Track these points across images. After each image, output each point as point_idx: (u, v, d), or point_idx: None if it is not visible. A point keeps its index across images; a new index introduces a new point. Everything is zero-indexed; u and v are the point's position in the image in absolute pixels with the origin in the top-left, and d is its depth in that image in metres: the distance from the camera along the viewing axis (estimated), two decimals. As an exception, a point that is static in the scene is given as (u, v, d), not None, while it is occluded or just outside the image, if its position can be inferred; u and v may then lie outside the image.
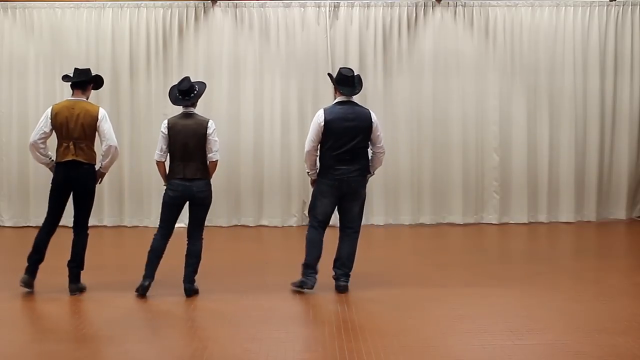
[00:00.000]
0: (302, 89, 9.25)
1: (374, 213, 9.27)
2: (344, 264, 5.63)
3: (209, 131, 5.51)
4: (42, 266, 6.85)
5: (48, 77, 9.19)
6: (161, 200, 9.49)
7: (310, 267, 5.55)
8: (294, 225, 9.25)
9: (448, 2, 9.28)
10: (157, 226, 5.67)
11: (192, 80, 5.70)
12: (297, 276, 6.06)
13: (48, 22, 9.19)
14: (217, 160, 5.59)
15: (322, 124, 5.48)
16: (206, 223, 9.38)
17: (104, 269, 6.56)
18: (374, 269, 6.58)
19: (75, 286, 5.59)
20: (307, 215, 9.19)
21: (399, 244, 8.43)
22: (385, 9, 9.25)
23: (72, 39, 9.17)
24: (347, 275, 5.64)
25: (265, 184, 9.19)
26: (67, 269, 5.60)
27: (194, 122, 5.54)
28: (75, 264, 5.62)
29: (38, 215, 9.16)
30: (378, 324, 4.81)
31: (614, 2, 9.36)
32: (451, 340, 4.46)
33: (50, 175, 9.34)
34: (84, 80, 5.65)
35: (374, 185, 9.04)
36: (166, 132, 5.51)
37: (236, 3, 9.24)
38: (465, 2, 9.29)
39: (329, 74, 5.97)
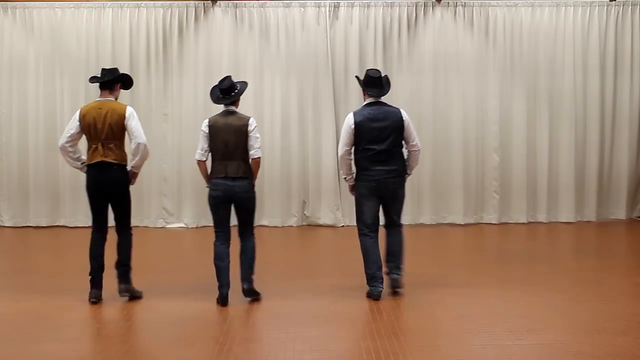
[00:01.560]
0: (302, 89, 9.26)
1: (374, 213, 9.27)
2: (394, 255, 5.54)
3: (250, 128, 5.38)
4: (44, 268, 6.88)
5: (48, 77, 9.20)
6: (160, 201, 9.55)
7: (373, 278, 5.42)
8: (294, 225, 9.25)
9: (448, 2, 9.28)
10: (215, 231, 5.57)
11: (233, 80, 5.58)
12: (297, 276, 6.13)
13: (48, 22, 9.19)
14: (259, 158, 5.45)
15: (353, 126, 5.44)
16: (206, 223, 9.47)
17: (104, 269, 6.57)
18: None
19: (125, 286, 5.48)
20: (306, 215, 9.24)
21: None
22: (385, 9, 9.26)
23: (72, 39, 9.17)
24: (399, 268, 5.53)
25: (265, 184, 9.19)
26: (115, 270, 5.49)
27: (234, 120, 5.42)
28: (123, 264, 5.51)
29: (38, 216, 9.22)
30: (378, 324, 4.82)
31: (614, 2, 9.36)
32: (451, 340, 4.46)
33: (48, 176, 9.41)
34: (111, 80, 5.53)
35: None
36: (207, 131, 5.40)
37: (236, 3, 9.24)
38: (465, 2, 9.29)
39: (356, 77, 5.94)
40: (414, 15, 9.28)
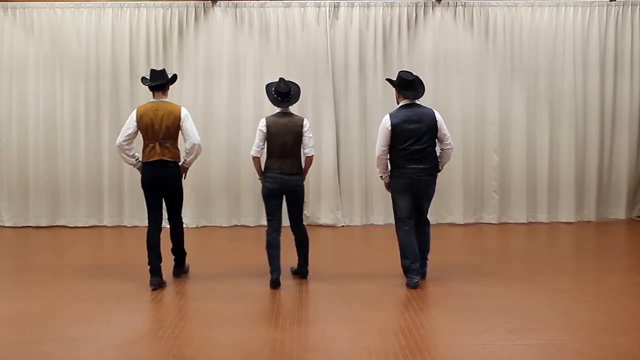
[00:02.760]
0: (302, 89, 9.15)
1: (374, 213, 9.28)
2: (422, 251, 5.99)
3: (305, 129, 5.87)
4: (44, 267, 6.88)
5: (48, 77, 9.20)
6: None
7: (409, 270, 5.80)
8: (294, 225, 9.24)
9: (448, 2, 9.28)
10: (267, 220, 6.01)
11: (287, 81, 6.08)
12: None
13: (48, 22, 9.19)
14: (313, 155, 5.95)
15: (390, 128, 5.72)
16: (206, 223, 9.47)
17: (103, 269, 6.57)
18: (373, 268, 6.58)
19: (179, 271, 6.20)
20: (305, 215, 9.24)
21: (399, 244, 8.42)
22: (385, 9, 9.25)
23: (72, 39, 9.17)
24: (426, 258, 6.04)
25: (265, 184, 9.18)
26: (172, 256, 6.18)
27: (291, 121, 5.87)
28: (178, 251, 6.16)
29: (38, 216, 9.22)
30: (378, 323, 4.82)
31: (614, 2, 9.36)
32: (451, 340, 4.47)
33: (48, 176, 9.40)
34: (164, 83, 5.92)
35: (374, 185, 9.05)
36: (265, 130, 5.82)
37: (236, 3, 9.24)
38: (465, 2, 9.29)
39: (388, 80, 6.08)
40: (414, 15, 9.28)
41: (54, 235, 8.77)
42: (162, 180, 5.86)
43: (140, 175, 5.95)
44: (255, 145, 5.85)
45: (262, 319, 4.99)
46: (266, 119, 5.91)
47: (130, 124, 5.80)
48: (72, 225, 9.17)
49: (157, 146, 5.77)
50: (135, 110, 5.88)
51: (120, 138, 5.81)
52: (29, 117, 9.21)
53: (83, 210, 9.22)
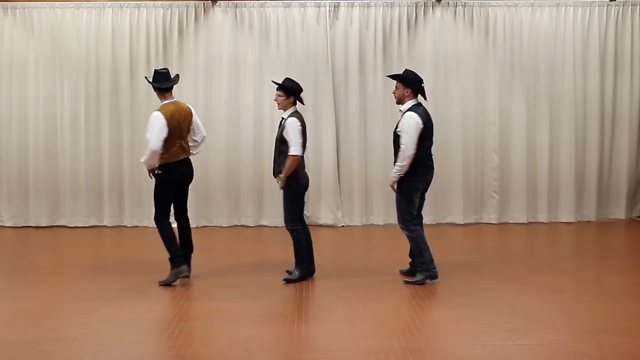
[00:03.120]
0: (302, 89, 9.22)
1: (374, 213, 9.27)
2: None
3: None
4: (44, 267, 6.89)
5: (48, 78, 9.19)
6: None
7: (432, 261, 5.96)
8: (294, 225, 9.23)
9: (448, 2, 9.28)
10: (294, 219, 6.13)
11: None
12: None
13: (48, 22, 9.18)
14: None
15: (422, 126, 5.85)
16: (206, 223, 9.49)
17: (103, 269, 6.58)
18: (373, 268, 6.58)
19: (189, 268, 6.07)
20: (305, 215, 9.22)
21: (399, 244, 8.37)
22: (385, 9, 9.25)
23: (72, 39, 9.16)
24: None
25: (265, 184, 9.19)
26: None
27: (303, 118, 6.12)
28: (189, 248, 6.17)
29: (38, 216, 9.21)
30: (378, 324, 4.82)
31: (614, 2, 9.35)
32: (451, 340, 4.47)
33: (48, 176, 9.36)
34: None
35: (374, 185, 9.06)
36: (301, 128, 5.98)
37: (236, 3, 9.23)
38: (465, 2, 9.29)
39: (393, 76, 6.15)
40: (414, 15, 9.27)
41: (54, 235, 8.78)
42: (188, 175, 6.15)
43: (144, 174, 5.99)
44: (300, 144, 5.91)
45: (262, 319, 4.99)
46: (298, 119, 6.00)
47: (162, 127, 5.78)
48: (72, 225, 9.17)
49: (184, 144, 6.01)
50: (160, 113, 5.84)
51: (158, 143, 5.77)
52: (29, 118, 9.20)
53: (83, 210, 9.21)
